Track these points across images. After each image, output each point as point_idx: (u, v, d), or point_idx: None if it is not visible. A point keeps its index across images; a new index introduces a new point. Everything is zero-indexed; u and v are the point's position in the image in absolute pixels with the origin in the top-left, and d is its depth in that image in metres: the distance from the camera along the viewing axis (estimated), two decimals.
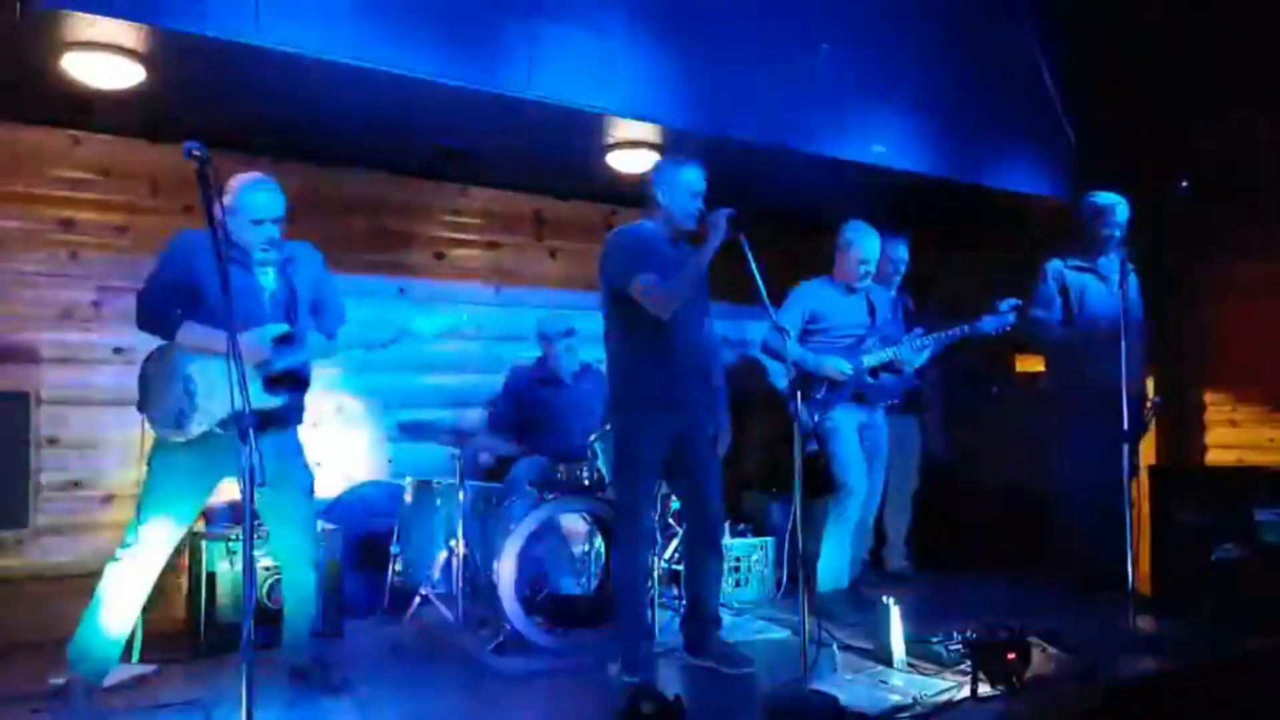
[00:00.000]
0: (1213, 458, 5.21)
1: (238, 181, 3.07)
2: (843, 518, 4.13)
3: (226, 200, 3.04)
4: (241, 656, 2.19)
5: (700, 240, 3.27)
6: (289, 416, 3.14)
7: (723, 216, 3.19)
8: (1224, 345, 5.17)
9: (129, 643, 3.08)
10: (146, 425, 3.01)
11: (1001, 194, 5.13)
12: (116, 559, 2.97)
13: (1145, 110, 5.22)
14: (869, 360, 4.17)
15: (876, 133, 4.58)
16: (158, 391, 2.97)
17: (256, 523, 3.21)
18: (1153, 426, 4.61)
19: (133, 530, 2.98)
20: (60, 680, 2.97)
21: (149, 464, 3.03)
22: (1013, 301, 4.20)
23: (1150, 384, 5.02)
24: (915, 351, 4.23)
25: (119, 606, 2.96)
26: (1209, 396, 5.27)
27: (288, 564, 3.22)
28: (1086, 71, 5.24)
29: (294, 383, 3.15)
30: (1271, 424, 5.00)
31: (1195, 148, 5.18)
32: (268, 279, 3.12)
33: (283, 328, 3.03)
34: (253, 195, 3.03)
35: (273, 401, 3.00)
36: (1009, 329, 4.21)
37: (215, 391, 2.95)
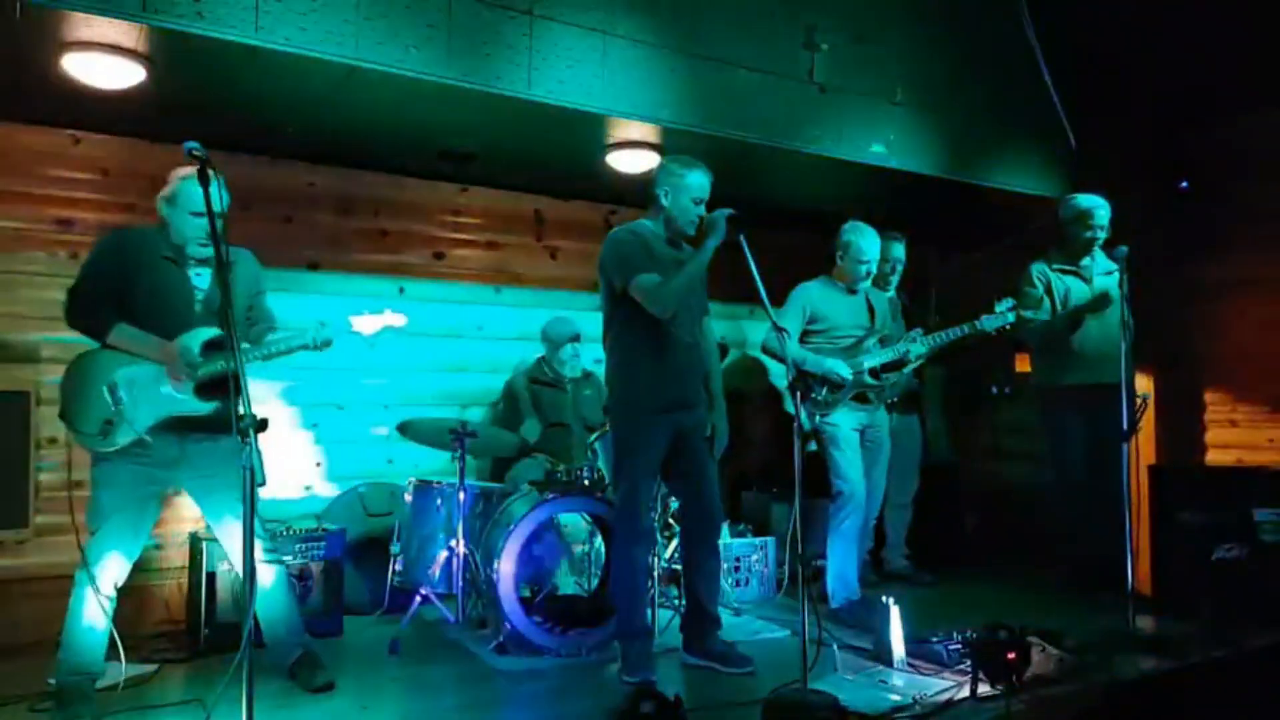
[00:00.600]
0: (1213, 458, 5.21)
1: (179, 172, 3.02)
2: (843, 526, 4.13)
3: (166, 190, 3.01)
4: (241, 656, 2.19)
5: (699, 241, 3.27)
6: (224, 421, 3.03)
7: (722, 217, 3.19)
8: (1224, 345, 5.18)
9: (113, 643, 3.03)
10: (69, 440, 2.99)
11: (1001, 194, 5.13)
12: (81, 582, 2.94)
13: (1145, 110, 5.22)
14: (869, 361, 4.16)
15: (876, 133, 4.58)
16: (82, 400, 2.91)
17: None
18: (1146, 425, 4.62)
19: (92, 549, 2.94)
20: (54, 682, 2.96)
21: (92, 478, 2.99)
22: (1010, 302, 4.22)
23: (1150, 383, 5.04)
24: (921, 345, 4.21)
25: (93, 614, 2.94)
26: (1209, 396, 5.27)
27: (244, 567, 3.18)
28: (1086, 71, 5.24)
29: (227, 387, 3.12)
30: (1271, 424, 5.00)
31: (1195, 148, 5.19)
32: (201, 280, 3.07)
33: (212, 332, 2.98)
34: (194, 186, 2.89)
35: (204, 408, 2.98)
36: (1009, 328, 4.22)
37: (143, 398, 2.92)
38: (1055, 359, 4.53)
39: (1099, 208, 4.47)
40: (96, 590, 2.93)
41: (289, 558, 3.76)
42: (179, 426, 2.99)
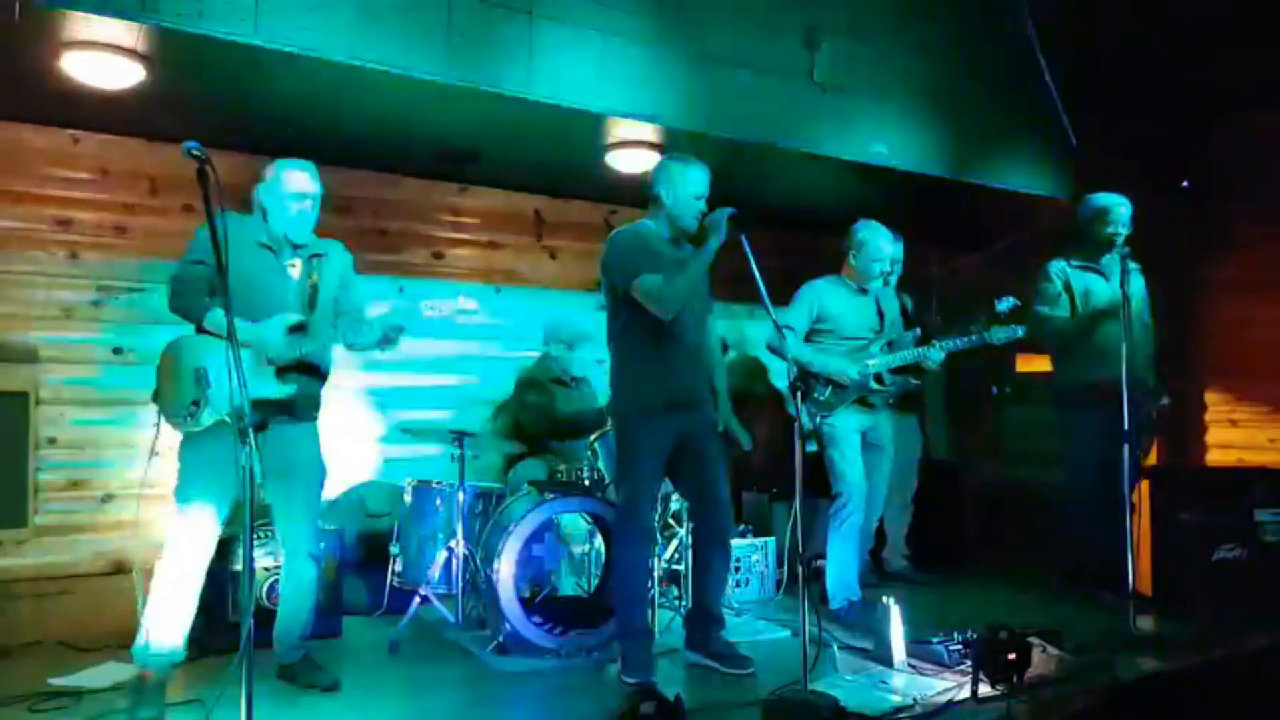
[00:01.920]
0: (1213, 458, 5.22)
1: (276, 162, 3.15)
2: (843, 527, 4.11)
3: (264, 178, 3.12)
4: (241, 656, 2.19)
5: (701, 240, 3.26)
6: (301, 406, 3.15)
7: (723, 217, 3.19)
8: (1224, 345, 5.18)
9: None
10: (158, 422, 3.03)
11: (1002, 194, 5.13)
12: (163, 558, 2.98)
13: (1146, 110, 5.22)
14: (873, 365, 4.14)
15: (876, 133, 4.58)
16: (171, 382, 3.00)
17: (263, 521, 3.29)
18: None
19: (182, 525, 2.98)
20: (126, 677, 3.01)
21: (179, 457, 3.04)
22: (1010, 302, 4.18)
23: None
24: (937, 350, 4.17)
25: (173, 601, 2.97)
26: (1209, 396, 5.28)
27: (287, 555, 3.21)
28: (1087, 71, 5.25)
29: (308, 373, 3.16)
30: (1271, 424, 5.01)
31: (1196, 147, 5.19)
32: (295, 269, 3.16)
33: (297, 317, 3.05)
34: (291, 171, 3.11)
35: (284, 390, 3.04)
36: (1018, 339, 4.19)
37: (225, 381, 2.95)
38: (1075, 358, 4.48)
39: (1120, 205, 4.42)
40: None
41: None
42: (260, 408, 3.02)
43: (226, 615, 3.63)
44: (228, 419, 2.95)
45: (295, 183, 3.09)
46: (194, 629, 3.05)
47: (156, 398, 3.04)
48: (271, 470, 3.07)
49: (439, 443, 4.47)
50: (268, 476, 3.13)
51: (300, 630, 3.25)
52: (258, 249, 3.11)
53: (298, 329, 3.05)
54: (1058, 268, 4.53)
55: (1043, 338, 4.57)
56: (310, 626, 3.31)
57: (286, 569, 3.22)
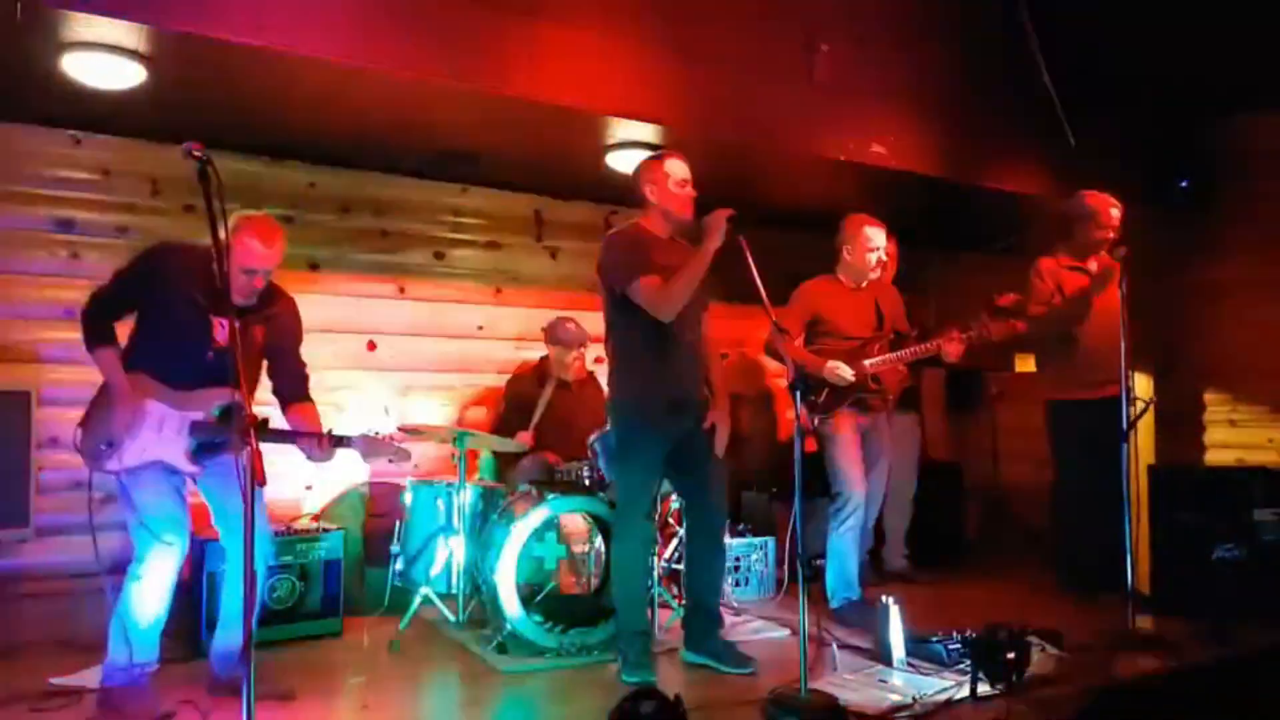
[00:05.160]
0: (1212, 458, 5.22)
1: (253, 222, 3.01)
2: (843, 527, 4.11)
3: (233, 235, 2.96)
4: (242, 656, 2.19)
5: (699, 241, 3.27)
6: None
7: (722, 218, 3.19)
8: (1224, 345, 5.18)
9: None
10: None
11: (1001, 194, 5.12)
12: (135, 577, 2.94)
13: (1145, 110, 5.22)
14: (870, 364, 4.13)
15: (876, 133, 4.57)
16: (100, 419, 2.94)
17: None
18: (1145, 425, 4.60)
19: (142, 544, 2.96)
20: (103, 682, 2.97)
21: (127, 490, 2.99)
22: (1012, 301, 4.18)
23: (1150, 385, 5.03)
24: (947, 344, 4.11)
25: (148, 608, 2.94)
26: (1209, 396, 5.28)
27: (231, 571, 3.12)
28: (1086, 71, 5.24)
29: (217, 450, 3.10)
30: (1271, 424, 5.01)
31: (1195, 147, 5.19)
32: (223, 330, 3.01)
33: (225, 405, 2.99)
34: (252, 242, 2.97)
35: (194, 468, 3.02)
36: (1017, 337, 4.18)
37: (144, 438, 2.94)
38: (1061, 368, 4.47)
39: (1111, 207, 4.41)
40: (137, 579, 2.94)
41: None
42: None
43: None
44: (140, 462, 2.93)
45: (251, 255, 2.96)
46: (183, 633, 3.02)
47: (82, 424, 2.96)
48: (218, 490, 3.06)
49: (439, 442, 4.48)
50: (214, 495, 3.10)
51: (239, 643, 3.10)
52: (186, 301, 2.96)
53: (225, 413, 2.98)
54: (1049, 266, 4.50)
55: (1037, 338, 4.56)
56: (238, 641, 3.14)
57: (230, 585, 3.12)
